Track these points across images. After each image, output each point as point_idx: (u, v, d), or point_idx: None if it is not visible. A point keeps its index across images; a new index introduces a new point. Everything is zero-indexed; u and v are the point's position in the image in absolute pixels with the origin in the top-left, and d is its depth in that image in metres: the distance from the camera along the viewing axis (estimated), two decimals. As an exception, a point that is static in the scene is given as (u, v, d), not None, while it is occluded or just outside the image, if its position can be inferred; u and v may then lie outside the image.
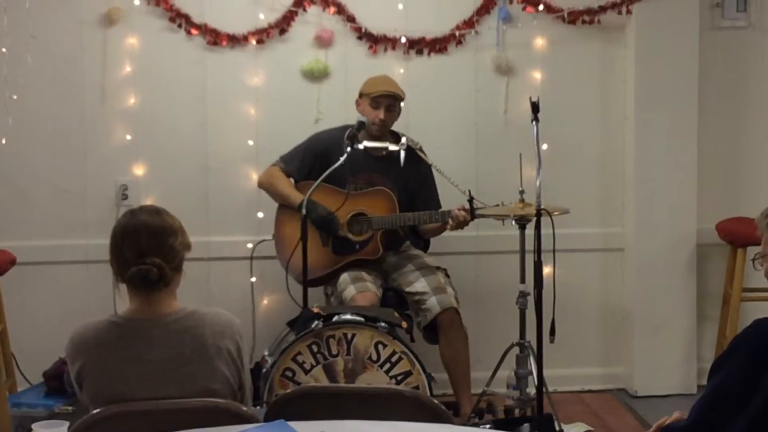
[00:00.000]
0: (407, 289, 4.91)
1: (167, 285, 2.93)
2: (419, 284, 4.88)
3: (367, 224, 4.93)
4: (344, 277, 4.87)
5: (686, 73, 5.48)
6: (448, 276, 4.99)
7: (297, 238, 4.65)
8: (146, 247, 2.90)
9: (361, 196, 4.95)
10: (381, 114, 4.89)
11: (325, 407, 2.88)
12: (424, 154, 4.99)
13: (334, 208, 4.84)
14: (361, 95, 5.01)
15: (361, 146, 4.72)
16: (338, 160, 4.67)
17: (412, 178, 5.04)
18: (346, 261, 4.93)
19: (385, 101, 4.92)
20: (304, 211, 4.59)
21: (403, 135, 4.89)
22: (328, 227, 4.88)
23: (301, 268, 4.63)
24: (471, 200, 4.67)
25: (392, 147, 4.81)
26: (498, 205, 4.68)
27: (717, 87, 5.63)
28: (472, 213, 4.69)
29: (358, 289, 4.76)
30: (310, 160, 5.01)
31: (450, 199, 4.97)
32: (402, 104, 5.03)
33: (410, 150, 4.84)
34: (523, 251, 4.62)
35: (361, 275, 4.87)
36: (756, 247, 2.81)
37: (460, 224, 4.76)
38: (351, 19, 5.41)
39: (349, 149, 4.65)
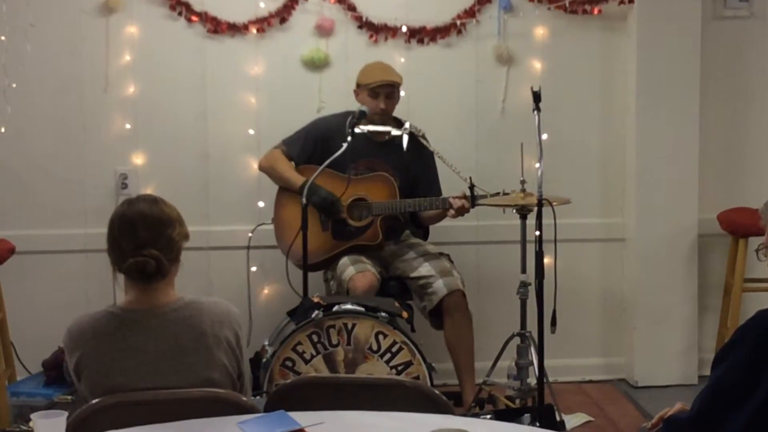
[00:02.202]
0: (412, 275, 4.89)
1: (164, 277, 2.91)
2: (424, 269, 4.87)
3: (367, 209, 4.91)
4: (344, 260, 4.86)
5: (688, 63, 5.46)
6: (452, 261, 4.98)
7: (297, 222, 4.64)
8: (143, 239, 2.88)
9: (362, 181, 4.94)
10: (381, 104, 4.89)
11: (325, 397, 2.88)
12: (427, 141, 4.97)
13: (336, 192, 4.83)
14: (358, 85, 5.00)
15: (364, 129, 4.69)
16: (340, 145, 4.64)
17: (414, 164, 5.02)
18: (345, 246, 4.91)
19: (384, 90, 4.91)
20: (304, 200, 4.56)
21: (406, 121, 4.87)
22: (330, 210, 4.87)
23: (300, 253, 4.62)
24: (472, 188, 4.66)
25: (395, 132, 4.79)
26: (498, 194, 4.67)
27: (719, 77, 5.61)
28: (473, 200, 4.68)
29: (357, 269, 4.74)
30: (312, 145, 5.00)
31: (452, 187, 4.95)
32: (401, 90, 5.01)
33: (413, 136, 4.82)
34: (524, 241, 4.61)
35: (360, 258, 4.86)
36: (757, 237, 2.80)
37: (460, 211, 4.76)
38: (352, 7, 5.39)
39: (350, 137, 4.63)
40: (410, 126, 4.79)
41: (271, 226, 5.08)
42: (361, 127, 4.71)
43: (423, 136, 4.95)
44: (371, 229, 4.92)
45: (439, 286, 4.80)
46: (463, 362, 4.91)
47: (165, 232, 2.92)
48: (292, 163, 5.04)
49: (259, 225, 5.12)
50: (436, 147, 4.98)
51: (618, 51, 5.57)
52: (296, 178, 4.90)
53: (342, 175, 4.87)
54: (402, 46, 5.45)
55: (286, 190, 5.00)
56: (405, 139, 4.73)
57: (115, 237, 2.92)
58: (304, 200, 4.56)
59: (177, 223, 2.97)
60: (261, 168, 5.11)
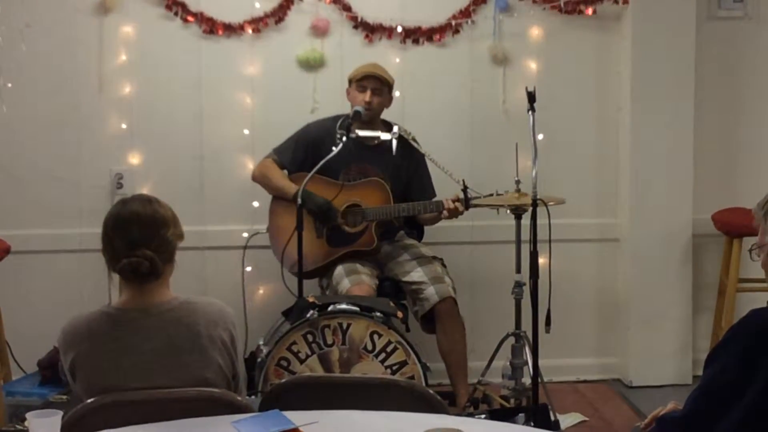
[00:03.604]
0: (404, 279, 4.90)
1: (158, 277, 2.91)
2: (416, 274, 4.87)
3: (362, 215, 4.91)
4: (339, 270, 4.86)
5: (683, 64, 5.47)
6: (444, 266, 4.99)
7: (291, 230, 4.64)
8: (137, 239, 2.88)
9: (355, 187, 4.94)
10: (367, 96, 4.88)
11: (320, 397, 2.88)
12: (418, 144, 4.98)
13: (329, 198, 4.84)
14: (349, 83, 5.02)
15: (353, 135, 4.71)
16: (330, 150, 4.65)
17: (405, 167, 5.03)
18: (341, 253, 4.92)
19: (370, 83, 4.92)
20: (299, 201, 4.57)
21: (396, 124, 4.89)
22: (326, 216, 4.87)
23: (295, 259, 4.62)
24: (465, 190, 4.66)
25: (384, 136, 4.80)
26: (492, 195, 4.67)
27: (713, 77, 5.63)
28: (467, 203, 4.68)
29: (352, 281, 4.75)
30: (303, 151, 5.00)
31: (444, 189, 4.96)
32: (393, 91, 5.02)
33: (403, 139, 4.82)
34: (518, 241, 4.62)
35: (355, 267, 4.86)
36: (752, 237, 2.81)
37: (453, 214, 4.76)
38: (347, 8, 5.40)
39: (344, 138, 4.64)
40: (399, 129, 4.80)
41: (265, 231, 5.08)
42: (355, 132, 4.71)
43: (413, 139, 4.95)
44: (366, 234, 4.92)
45: (431, 293, 4.80)
46: (455, 368, 4.91)
47: (159, 233, 2.92)
48: (285, 171, 5.04)
49: (254, 234, 5.13)
50: (431, 147, 4.99)
51: (613, 51, 5.58)
52: (290, 187, 4.90)
53: (335, 181, 4.87)
54: (397, 47, 5.45)
55: (279, 198, 5.00)
56: (394, 144, 4.73)
57: (109, 237, 2.93)
58: (299, 201, 4.56)
59: (171, 223, 2.97)
60: (254, 179, 5.11)
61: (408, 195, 5.02)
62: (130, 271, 2.86)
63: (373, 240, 4.91)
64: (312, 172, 4.62)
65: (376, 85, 4.92)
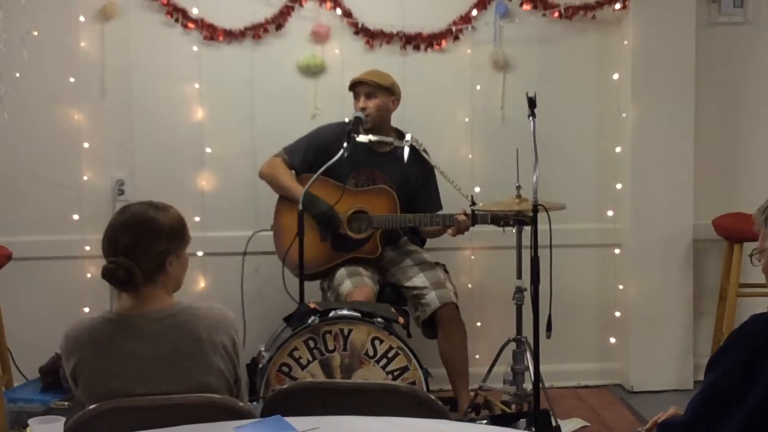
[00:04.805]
0: (406, 284, 4.90)
1: (137, 287, 2.89)
2: (418, 279, 4.87)
3: (368, 222, 4.91)
4: (341, 272, 4.86)
5: (683, 69, 5.48)
6: (447, 272, 4.99)
7: (295, 230, 4.63)
8: (122, 246, 2.88)
9: (363, 193, 4.94)
10: (360, 103, 4.90)
11: (322, 403, 2.88)
12: (428, 155, 4.98)
13: (333, 202, 4.83)
14: None
15: (365, 139, 4.70)
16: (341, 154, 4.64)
17: (414, 177, 5.03)
18: (343, 258, 4.92)
19: (362, 89, 4.93)
20: (300, 207, 4.57)
21: (408, 133, 4.88)
22: (329, 223, 4.86)
23: (297, 261, 4.62)
24: (472, 205, 4.67)
25: (396, 143, 4.80)
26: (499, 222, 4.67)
27: (714, 82, 5.63)
28: (474, 219, 4.69)
29: (354, 283, 4.75)
30: (313, 153, 4.99)
31: (450, 202, 4.97)
32: (393, 95, 4.99)
33: (414, 149, 4.82)
34: (519, 247, 4.63)
35: (358, 270, 4.86)
36: (753, 242, 2.81)
37: (462, 229, 4.77)
38: (348, 14, 5.41)
39: (346, 143, 4.63)
40: (411, 139, 4.79)
41: (268, 232, 5.08)
42: (363, 136, 4.71)
43: (425, 150, 4.95)
44: (371, 242, 4.92)
45: (432, 298, 4.80)
46: (456, 373, 4.91)
47: (145, 241, 2.90)
48: (293, 171, 5.04)
49: (257, 231, 5.13)
50: (432, 153, 5.01)
51: (613, 57, 5.59)
52: (297, 188, 4.89)
53: (339, 184, 4.87)
54: (398, 53, 5.46)
55: (286, 198, 5.00)
56: (406, 151, 4.74)
57: (103, 242, 2.94)
58: (300, 207, 4.56)
59: (168, 231, 2.93)
60: (262, 176, 5.11)
61: (413, 205, 5.01)
62: (108, 277, 2.87)
63: (377, 248, 4.91)
64: (313, 178, 4.60)
65: (367, 89, 4.92)
